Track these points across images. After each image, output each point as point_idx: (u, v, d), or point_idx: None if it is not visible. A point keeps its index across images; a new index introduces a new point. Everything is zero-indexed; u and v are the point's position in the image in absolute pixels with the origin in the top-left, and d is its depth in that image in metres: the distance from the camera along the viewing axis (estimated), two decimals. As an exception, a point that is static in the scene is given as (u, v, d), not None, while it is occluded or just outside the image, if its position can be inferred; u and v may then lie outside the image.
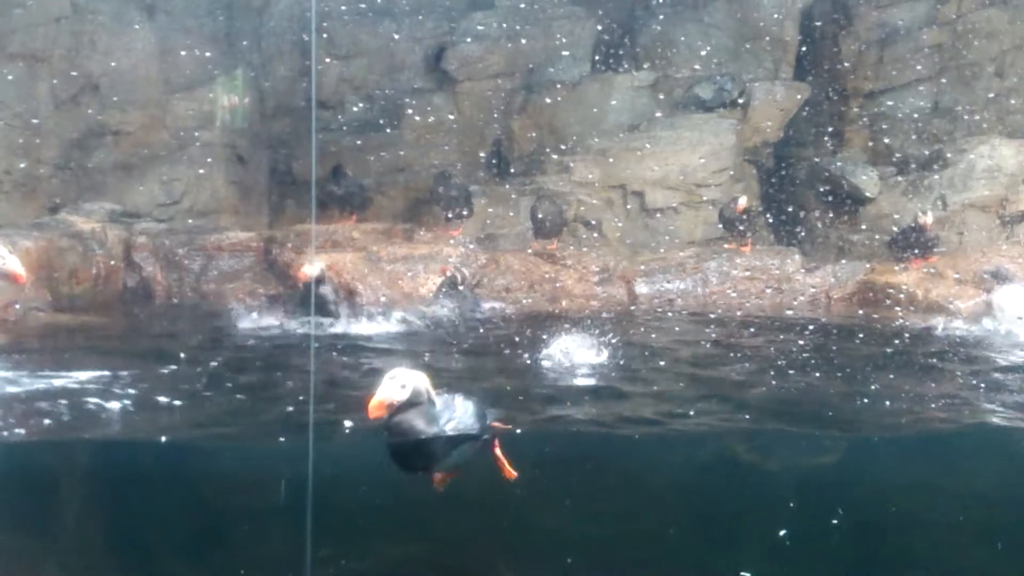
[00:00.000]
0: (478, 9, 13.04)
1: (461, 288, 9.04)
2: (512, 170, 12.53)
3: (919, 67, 12.50)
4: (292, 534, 4.43)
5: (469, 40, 12.87)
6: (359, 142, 12.44)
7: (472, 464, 4.62)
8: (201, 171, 11.50)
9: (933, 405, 5.92)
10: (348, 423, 5.21)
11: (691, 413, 5.82)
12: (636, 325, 8.85)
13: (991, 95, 12.41)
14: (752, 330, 8.60)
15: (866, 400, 6.02)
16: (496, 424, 4.58)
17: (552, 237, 11.19)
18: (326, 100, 12.93)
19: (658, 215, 12.26)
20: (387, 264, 10.21)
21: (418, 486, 4.46)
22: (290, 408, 5.48)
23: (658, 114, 12.55)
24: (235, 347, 7.32)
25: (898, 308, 9.52)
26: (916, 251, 10.29)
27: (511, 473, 4.60)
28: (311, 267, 7.69)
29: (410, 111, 12.51)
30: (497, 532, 5.33)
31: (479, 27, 12.86)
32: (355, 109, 12.86)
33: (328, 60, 12.88)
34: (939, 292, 9.78)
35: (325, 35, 12.90)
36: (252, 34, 12.62)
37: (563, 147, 12.48)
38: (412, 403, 4.11)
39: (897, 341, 8.02)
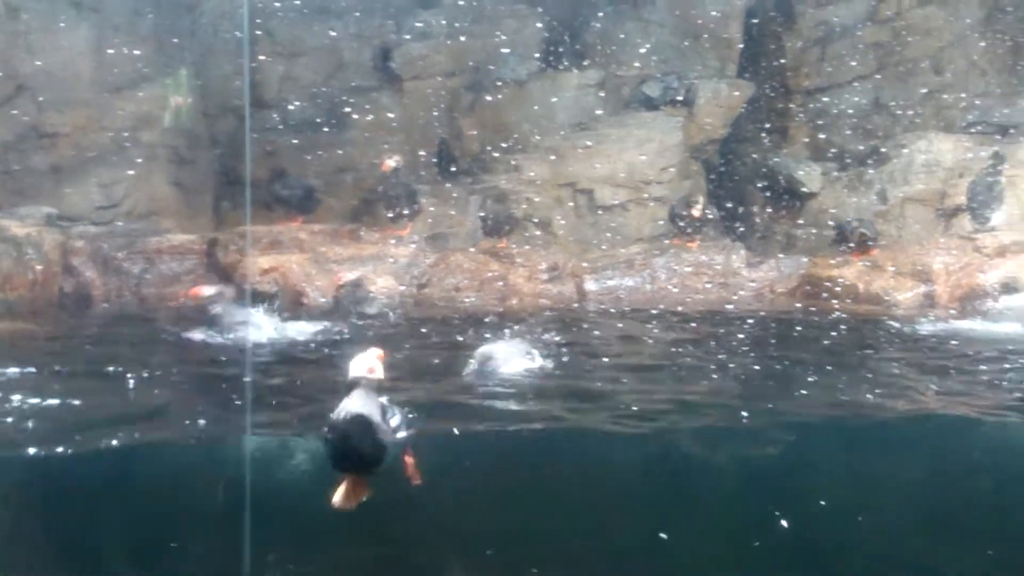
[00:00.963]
0: (423, 8, 12.98)
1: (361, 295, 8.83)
2: (460, 169, 12.47)
3: (859, 64, 12.72)
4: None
5: (414, 39, 12.80)
6: (304, 142, 12.28)
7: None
8: (140, 173, 11.27)
9: (870, 396, 6.01)
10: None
11: (635, 408, 5.84)
12: (580, 322, 8.87)
13: (929, 91, 12.66)
14: (695, 324, 8.68)
15: (804, 391, 6.10)
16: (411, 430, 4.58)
17: (501, 236, 11.19)
18: (270, 99, 12.76)
19: (606, 212, 12.31)
20: (334, 265, 10.12)
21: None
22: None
23: (599, 111, 12.57)
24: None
25: (838, 301, 9.70)
26: (857, 245, 10.46)
27: (418, 480, 4.58)
28: (208, 288, 7.63)
29: (356, 110, 12.40)
30: (444, 534, 5.30)
31: (424, 26, 12.80)
32: (300, 108, 12.69)
33: (271, 59, 12.70)
34: (879, 285, 9.97)
35: (268, 34, 12.73)
36: (192, 33, 12.41)
37: (511, 146, 12.47)
38: (367, 393, 4.13)
39: (834, 333, 8.15)
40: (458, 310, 9.63)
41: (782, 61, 13.02)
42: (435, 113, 12.78)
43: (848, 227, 10.81)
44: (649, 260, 11.03)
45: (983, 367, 6.84)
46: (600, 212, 12.27)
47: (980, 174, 10.51)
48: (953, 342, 7.71)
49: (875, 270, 10.29)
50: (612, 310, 9.67)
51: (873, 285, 10.03)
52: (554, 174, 12.26)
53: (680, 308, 9.58)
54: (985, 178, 10.38)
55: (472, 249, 10.93)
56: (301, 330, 7.78)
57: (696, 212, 11.26)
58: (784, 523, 5.39)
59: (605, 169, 12.19)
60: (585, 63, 12.91)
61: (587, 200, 12.30)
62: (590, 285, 10.73)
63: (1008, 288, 8.87)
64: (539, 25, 13.11)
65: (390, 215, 10.97)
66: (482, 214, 11.16)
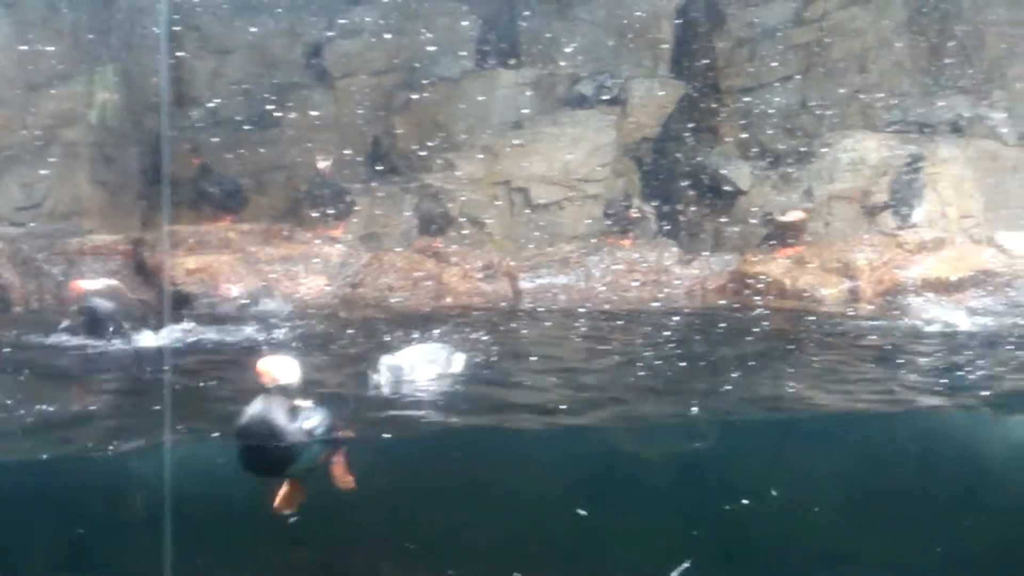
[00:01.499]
0: (354, 4, 12.84)
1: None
2: (393, 168, 12.39)
3: (785, 65, 12.96)
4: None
5: (345, 36, 12.66)
6: (234, 140, 12.06)
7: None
8: (62, 172, 10.95)
9: (791, 390, 6.14)
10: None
11: (563, 407, 5.88)
12: (508, 320, 8.89)
13: (853, 91, 12.96)
14: (623, 322, 8.77)
15: (730, 387, 6.20)
16: (342, 433, 4.54)
17: (436, 234, 11.15)
18: (199, 96, 12.49)
19: (541, 211, 12.34)
20: (265, 265, 9.98)
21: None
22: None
23: (533, 110, 12.60)
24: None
25: (767, 296, 9.89)
26: (783, 241, 10.65)
27: (349, 484, 4.55)
28: (89, 281, 7.37)
29: (286, 108, 12.23)
30: (372, 536, 5.27)
31: (355, 23, 12.65)
32: (229, 106, 12.46)
33: (199, 55, 12.46)
34: (805, 280, 10.18)
35: (195, 30, 12.48)
36: (111, 29, 12.09)
37: (445, 144, 12.42)
38: (274, 396, 4.07)
39: (756, 329, 8.31)
40: (390, 310, 9.59)
41: (711, 61, 13.20)
42: (371, 111, 12.67)
43: (780, 221, 11.00)
44: (583, 258, 11.10)
45: (901, 360, 7.03)
46: (534, 210, 12.29)
47: (901, 172, 10.81)
48: (872, 336, 7.92)
49: (802, 266, 10.50)
50: (540, 309, 9.71)
51: (799, 281, 10.24)
52: (488, 172, 12.25)
53: (607, 306, 9.68)
54: (905, 176, 10.67)
55: (403, 248, 10.87)
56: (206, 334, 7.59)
57: (629, 210, 11.37)
58: (713, 518, 5.49)
59: (539, 167, 12.23)
60: (518, 61, 12.92)
61: (522, 198, 12.32)
62: (524, 283, 10.76)
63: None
64: (472, 23, 13.07)
65: (322, 214, 10.84)
66: (416, 213, 11.11)
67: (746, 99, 13.13)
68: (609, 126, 12.53)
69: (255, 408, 4.19)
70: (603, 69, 12.93)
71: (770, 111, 12.91)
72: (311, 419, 4.31)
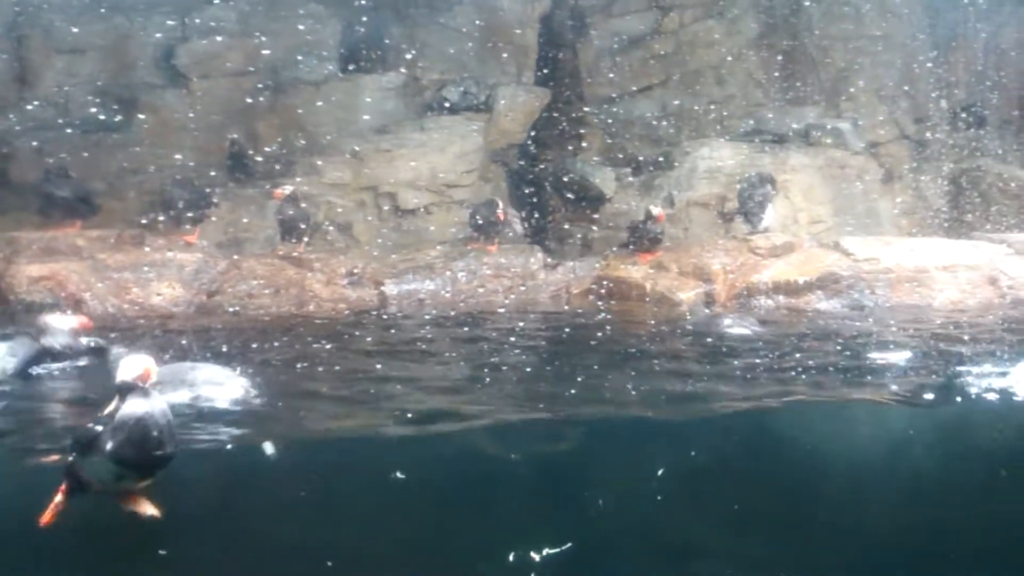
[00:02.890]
0: (211, 3, 12.48)
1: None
2: (257, 172, 12.11)
3: (647, 74, 13.35)
4: None
5: (202, 35, 12.31)
6: (87, 142, 11.54)
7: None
8: None
9: (642, 389, 6.28)
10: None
11: (425, 410, 5.86)
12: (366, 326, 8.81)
13: (711, 101, 13.45)
14: (487, 326, 8.82)
15: (574, 391, 6.30)
16: None
17: (299, 240, 10.93)
18: (48, 96, 11.94)
19: (409, 216, 12.31)
20: (115, 273, 9.58)
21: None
22: None
23: (400, 115, 12.57)
24: None
25: (628, 300, 10.13)
26: (643, 245, 10.93)
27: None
28: None
29: (141, 110, 11.80)
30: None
31: (214, 22, 12.32)
32: (82, 107, 11.94)
33: (49, 54, 11.89)
34: (664, 284, 10.46)
35: (44, 28, 11.91)
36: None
37: (310, 148, 12.23)
38: (145, 396, 4.24)
39: (606, 329, 8.50)
40: (250, 318, 9.35)
41: (578, 70, 13.47)
42: (231, 114, 12.34)
43: (641, 227, 11.27)
44: (449, 263, 11.08)
45: (737, 361, 7.27)
46: (402, 216, 12.26)
47: (751, 180, 11.26)
48: (722, 337, 8.21)
49: (661, 270, 10.80)
50: (396, 314, 9.67)
51: (659, 285, 10.50)
52: (355, 177, 12.14)
53: (467, 311, 9.73)
54: (756, 183, 11.12)
55: (265, 254, 10.62)
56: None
57: (495, 216, 11.43)
58: (570, 518, 5.55)
59: (407, 173, 12.19)
60: (383, 66, 12.85)
61: (389, 204, 12.27)
62: (390, 289, 10.65)
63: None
64: (337, 27, 12.92)
65: (177, 220, 10.49)
66: (279, 218, 10.87)
67: (611, 107, 13.45)
68: (475, 132, 12.61)
69: (141, 406, 4.26)
70: (469, 76, 13.01)
71: (632, 119, 13.27)
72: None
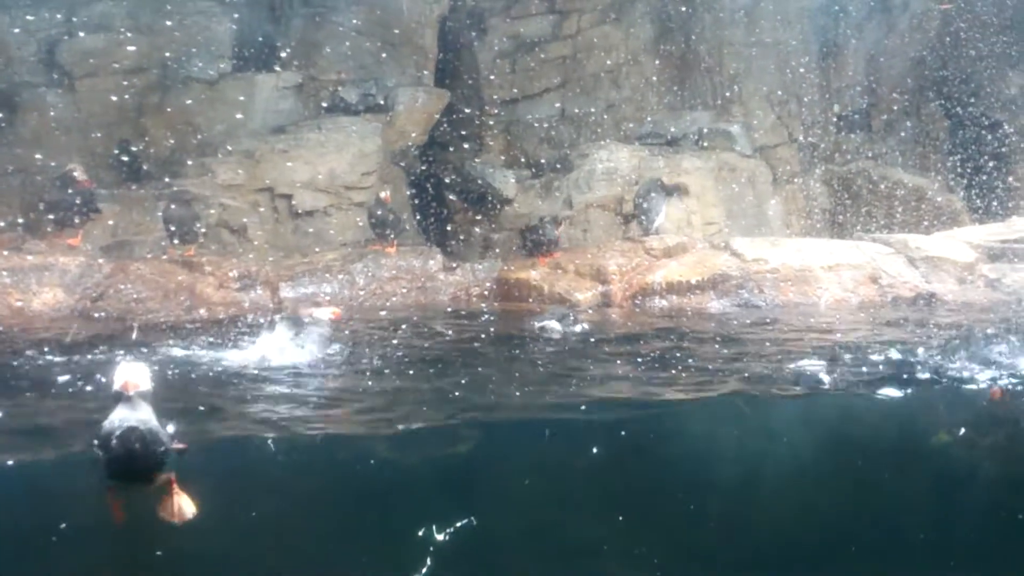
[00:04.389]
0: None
1: None
2: (147, 173, 11.76)
3: (546, 78, 13.47)
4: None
5: (88, 32, 11.88)
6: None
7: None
8: None
9: (531, 389, 6.32)
10: None
11: (311, 415, 5.77)
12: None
13: (609, 104, 13.66)
14: (385, 328, 8.75)
15: (457, 393, 6.32)
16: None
17: (190, 243, 10.64)
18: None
19: (306, 218, 12.12)
20: (-9, 278, 9.17)
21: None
22: None
23: (297, 115, 12.39)
24: None
25: (526, 302, 10.19)
26: (542, 248, 11.03)
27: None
28: None
29: (23, 109, 11.32)
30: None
31: (101, 19, 11.91)
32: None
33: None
34: (562, 285, 10.56)
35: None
36: None
37: (204, 148, 11.95)
38: (138, 403, 4.30)
39: (490, 326, 8.54)
40: (138, 323, 9.05)
41: (477, 72, 13.50)
42: (119, 113, 11.97)
43: (537, 231, 11.37)
44: (347, 266, 10.97)
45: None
46: (299, 218, 12.07)
47: (645, 182, 11.48)
48: (612, 337, 8.34)
49: (559, 272, 10.91)
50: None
51: (556, 286, 10.61)
52: (252, 178, 11.90)
53: (381, 313, 9.66)
54: (649, 185, 11.34)
55: (154, 257, 10.32)
56: None
57: (394, 217, 11.38)
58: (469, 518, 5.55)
59: (304, 174, 12.02)
60: (279, 66, 12.64)
61: (285, 205, 12.06)
62: (286, 292, 10.47)
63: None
64: (232, 24, 12.65)
65: (60, 222, 10.09)
66: (167, 219, 10.55)
67: (511, 110, 13.54)
68: (374, 133, 12.51)
69: (127, 414, 4.26)
70: (368, 76, 12.91)
71: (532, 122, 13.37)
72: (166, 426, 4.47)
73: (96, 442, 4.32)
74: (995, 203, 13.36)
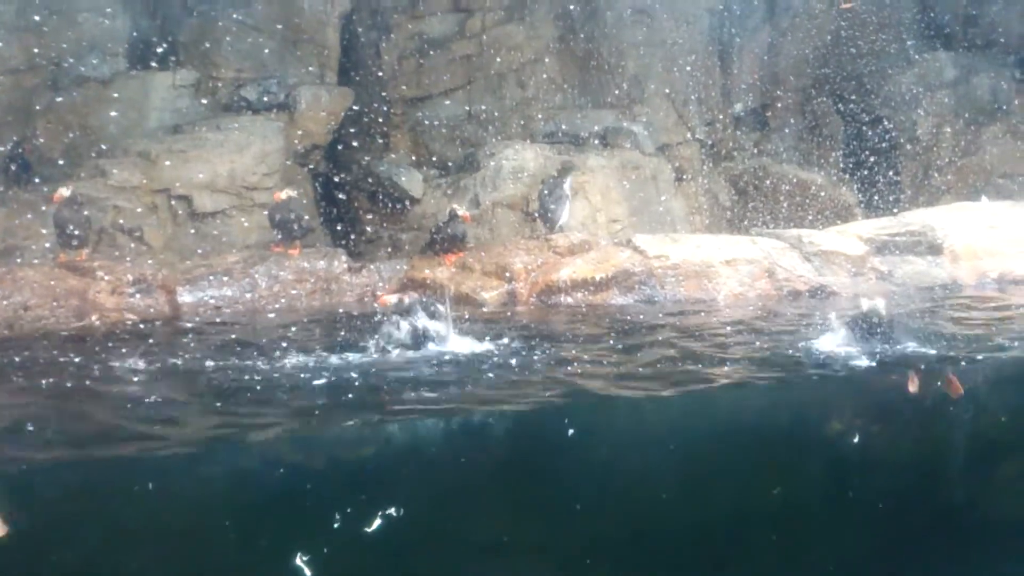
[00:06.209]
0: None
1: None
2: (37, 175, 11.33)
3: (452, 76, 13.46)
4: None
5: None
6: None
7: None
8: None
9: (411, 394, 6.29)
10: None
11: (190, 422, 5.65)
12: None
13: (514, 103, 13.73)
14: (293, 330, 8.63)
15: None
16: None
17: (81, 246, 10.29)
18: None
19: (207, 220, 11.86)
20: None
21: None
22: None
23: (195, 114, 12.11)
24: None
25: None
26: (447, 246, 11.01)
27: None
28: None
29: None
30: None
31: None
32: None
33: None
34: (468, 285, 10.56)
35: None
36: None
37: (98, 149, 11.57)
38: None
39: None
40: (24, 333, 8.73)
41: (382, 71, 13.41)
42: (6, 112, 11.52)
43: (447, 228, 11.34)
44: (249, 268, 10.74)
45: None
46: (199, 220, 11.79)
47: (548, 180, 11.57)
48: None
49: (466, 271, 10.91)
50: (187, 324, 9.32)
51: (463, 285, 10.59)
52: (148, 180, 11.56)
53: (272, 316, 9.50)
54: (553, 184, 11.43)
55: (43, 263, 9.95)
56: None
57: (296, 217, 11.21)
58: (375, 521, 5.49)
59: (204, 175, 11.74)
60: (176, 63, 12.33)
61: (184, 207, 11.77)
62: (184, 297, 10.19)
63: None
64: (127, 21, 12.29)
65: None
66: (56, 222, 10.18)
67: (417, 109, 13.49)
68: (276, 132, 12.31)
69: None
70: (268, 75, 12.69)
71: (438, 121, 13.34)
72: None
73: None
74: (876, 198, 13.88)
